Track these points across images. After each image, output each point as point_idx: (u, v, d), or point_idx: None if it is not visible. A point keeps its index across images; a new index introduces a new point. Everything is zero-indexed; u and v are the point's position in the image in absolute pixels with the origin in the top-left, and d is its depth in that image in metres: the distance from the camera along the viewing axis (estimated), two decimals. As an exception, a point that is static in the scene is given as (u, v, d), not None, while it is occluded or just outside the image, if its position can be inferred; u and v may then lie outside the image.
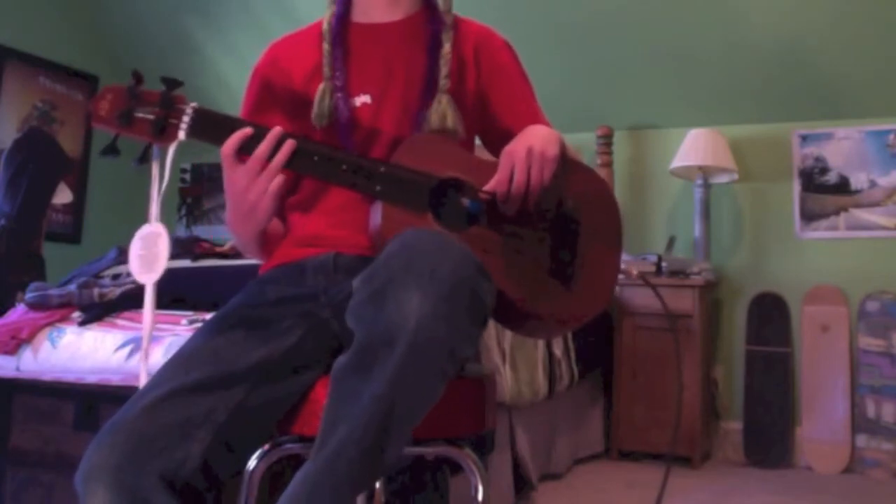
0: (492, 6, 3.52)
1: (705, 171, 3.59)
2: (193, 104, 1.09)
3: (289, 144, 1.10)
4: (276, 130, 1.10)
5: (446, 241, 0.97)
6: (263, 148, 1.09)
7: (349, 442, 0.89)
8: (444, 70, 1.27)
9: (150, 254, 1.12)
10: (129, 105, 1.07)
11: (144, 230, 1.12)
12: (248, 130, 1.09)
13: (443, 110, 1.24)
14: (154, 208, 1.12)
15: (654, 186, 3.90)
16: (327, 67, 1.26)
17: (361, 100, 1.27)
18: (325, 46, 1.28)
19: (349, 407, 0.91)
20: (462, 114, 1.28)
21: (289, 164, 1.11)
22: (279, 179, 1.11)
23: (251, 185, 1.10)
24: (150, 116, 1.07)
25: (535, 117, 1.34)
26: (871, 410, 3.25)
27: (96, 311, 2.14)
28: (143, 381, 1.07)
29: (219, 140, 1.09)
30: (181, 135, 1.08)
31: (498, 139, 1.34)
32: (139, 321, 2.10)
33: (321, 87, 1.25)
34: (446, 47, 1.28)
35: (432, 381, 0.92)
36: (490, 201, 1.18)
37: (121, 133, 1.09)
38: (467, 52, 1.33)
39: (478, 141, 1.40)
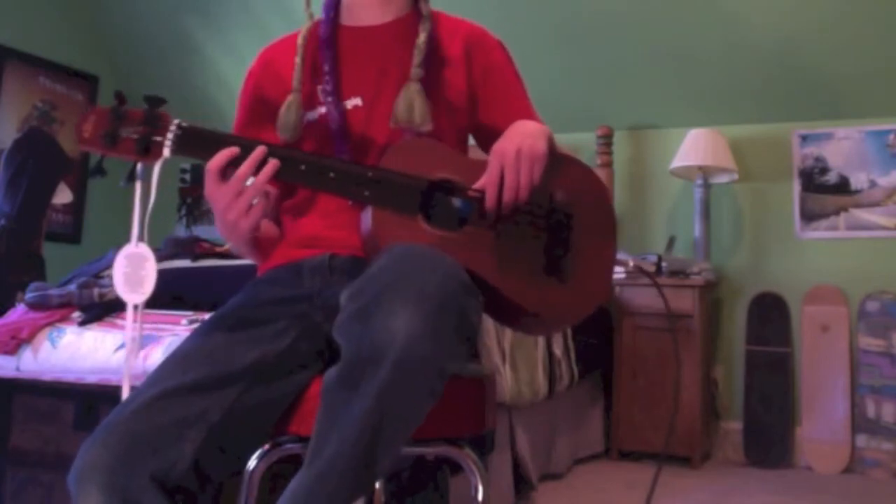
0: (491, 6, 3.52)
1: (705, 171, 3.59)
2: (177, 120, 1.09)
3: (271, 165, 1.09)
4: (259, 151, 1.09)
5: (434, 258, 0.97)
6: (243, 170, 1.08)
7: (339, 456, 0.90)
8: (416, 59, 1.25)
9: (136, 275, 1.11)
10: (113, 126, 1.07)
11: (129, 249, 1.12)
12: (234, 150, 1.09)
13: (410, 98, 1.22)
14: (136, 228, 1.11)
15: (654, 186, 3.90)
16: (296, 80, 1.25)
17: (352, 103, 1.27)
18: (297, 60, 1.27)
19: (339, 421, 0.91)
20: (446, 109, 1.28)
21: (276, 175, 1.11)
22: (263, 201, 1.11)
23: (230, 205, 1.10)
24: (135, 136, 1.08)
25: (528, 116, 1.34)
26: (871, 410, 3.25)
27: (96, 311, 2.14)
28: (125, 391, 1.06)
29: (204, 155, 1.09)
30: (166, 152, 1.09)
31: (491, 138, 1.34)
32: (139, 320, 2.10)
33: (288, 99, 1.24)
34: (421, 37, 1.27)
35: (420, 397, 0.92)
36: (481, 200, 1.18)
37: (106, 154, 1.09)
38: (455, 51, 1.32)
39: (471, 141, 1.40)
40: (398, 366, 0.88)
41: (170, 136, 1.08)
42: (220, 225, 1.16)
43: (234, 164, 1.09)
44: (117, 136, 1.07)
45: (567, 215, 1.23)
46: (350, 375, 0.92)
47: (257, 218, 1.12)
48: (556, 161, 1.22)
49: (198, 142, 1.10)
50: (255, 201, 1.11)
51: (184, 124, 1.09)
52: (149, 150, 1.08)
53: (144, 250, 1.10)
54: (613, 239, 1.29)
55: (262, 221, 1.20)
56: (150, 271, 1.11)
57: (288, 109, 1.24)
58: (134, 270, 1.11)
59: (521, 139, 1.17)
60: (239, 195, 1.09)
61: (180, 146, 1.09)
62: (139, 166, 1.12)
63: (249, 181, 1.11)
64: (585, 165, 1.32)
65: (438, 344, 0.91)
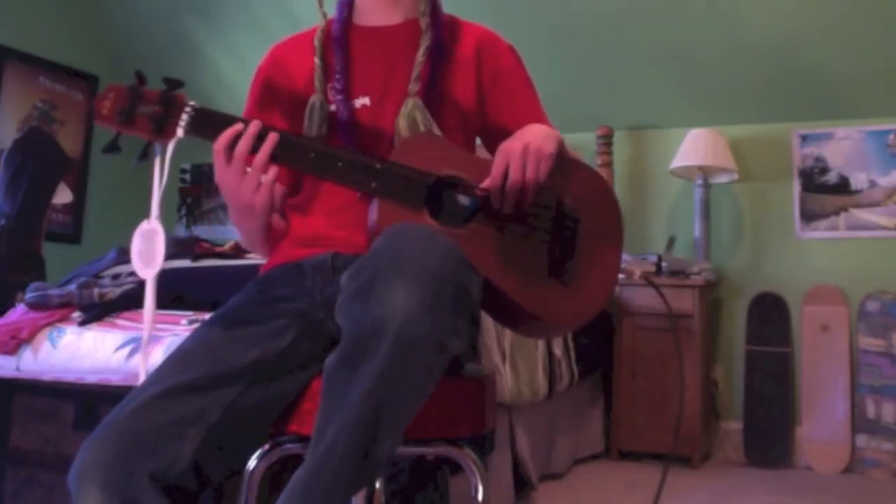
0: (492, 6, 3.52)
1: (705, 171, 3.59)
2: (192, 102, 1.11)
3: (271, 138, 1.10)
4: (254, 126, 1.10)
5: (430, 235, 0.97)
6: (242, 146, 1.09)
7: (339, 439, 0.89)
8: (413, 73, 1.27)
9: (148, 250, 1.13)
10: (130, 104, 1.08)
11: (144, 226, 1.14)
12: (238, 126, 1.10)
13: (409, 114, 1.24)
14: (155, 205, 1.13)
15: (654, 186, 3.90)
16: (318, 81, 1.27)
17: (361, 102, 1.28)
18: (316, 61, 1.29)
19: (339, 404, 0.91)
20: (455, 111, 1.29)
21: (285, 161, 1.12)
22: (272, 173, 1.12)
23: (241, 183, 1.11)
24: (150, 115, 1.09)
25: (537, 120, 1.34)
26: (871, 410, 3.25)
27: (96, 311, 2.14)
28: (142, 378, 1.07)
29: (216, 137, 1.10)
30: (179, 132, 1.09)
31: (499, 141, 1.34)
32: (139, 321, 2.10)
33: (311, 100, 1.26)
34: (420, 51, 1.28)
35: (420, 375, 0.92)
36: (487, 199, 1.18)
37: (122, 131, 1.10)
38: (466, 54, 1.33)
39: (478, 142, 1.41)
40: (398, 341, 0.88)
41: (184, 116, 1.09)
42: (234, 211, 1.17)
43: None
44: (133, 115, 1.08)
45: (574, 220, 1.24)
46: (350, 355, 0.92)
47: (269, 193, 1.12)
48: (566, 165, 1.23)
49: (210, 123, 1.11)
50: (263, 178, 1.11)
51: (198, 106, 1.11)
52: (163, 130, 1.09)
53: (155, 225, 1.12)
54: (619, 246, 1.29)
55: (272, 213, 1.21)
56: (159, 245, 1.13)
57: (312, 110, 1.26)
58: (147, 246, 1.12)
59: (530, 138, 1.17)
60: (243, 174, 1.10)
61: (193, 127, 1.10)
62: (155, 146, 1.12)
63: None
64: (595, 171, 1.32)
65: (437, 318, 0.90)
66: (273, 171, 1.12)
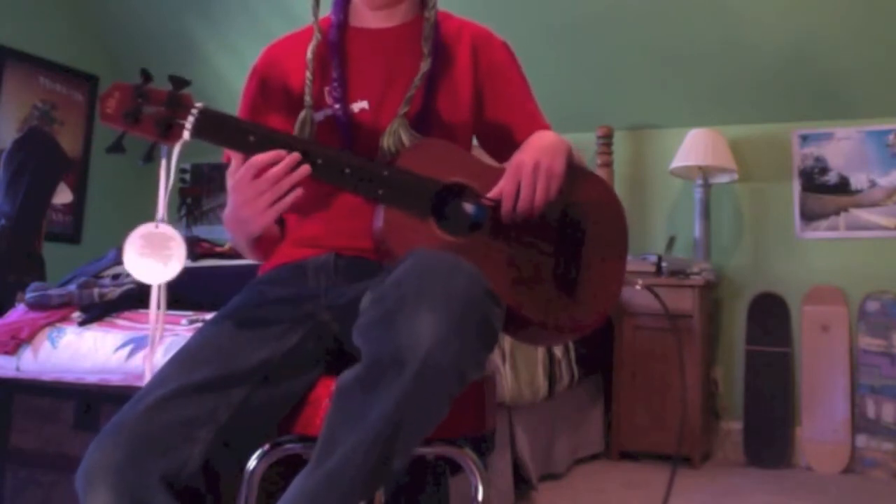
0: (492, 5, 3.52)
1: (705, 171, 3.59)
2: (199, 104, 1.08)
3: (302, 170, 1.07)
4: (293, 157, 1.07)
5: (458, 265, 0.97)
6: (277, 171, 1.06)
7: (353, 459, 0.90)
8: (410, 92, 1.24)
9: (159, 255, 1.10)
10: (136, 103, 1.06)
11: (147, 229, 1.11)
12: (281, 153, 1.06)
13: (394, 132, 1.21)
14: (162, 208, 1.11)
15: (654, 186, 3.90)
16: (308, 97, 1.24)
17: (359, 106, 1.26)
18: (308, 75, 1.25)
19: (354, 424, 0.91)
20: (454, 111, 1.28)
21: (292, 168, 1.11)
22: (289, 200, 1.08)
23: (250, 202, 1.08)
24: (156, 116, 1.06)
25: (533, 118, 1.34)
26: (871, 410, 3.25)
27: (96, 311, 2.14)
28: (147, 379, 1.07)
29: (222, 141, 1.08)
30: (186, 135, 1.07)
31: (496, 139, 1.34)
32: (139, 321, 2.10)
33: (301, 115, 1.23)
34: (423, 65, 1.25)
35: (439, 403, 0.93)
36: (494, 208, 1.18)
37: (127, 131, 1.07)
38: (462, 52, 1.32)
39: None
40: (422, 370, 0.88)
41: (190, 119, 1.07)
42: (232, 219, 1.14)
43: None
44: (139, 115, 1.06)
45: (580, 229, 1.23)
46: (370, 378, 0.91)
47: (270, 220, 1.10)
48: (573, 174, 1.22)
49: (217, 127, 1.08)
50: (276, 204, 1.08)
51: (203, 108, 1.08)
52: (169, 132, 1.06)
53: (167, 230, 1.10)
54: (624, 256, 1.28)
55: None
56: (176, 250, 1.09)
57: (302, 126, 1.23)
58: (156, 251, 1.10)
59: (541, 154, 1.17)
60: (262, 194, 1.07)
61: (200, 130, 1.07)
62: (162, 147, 1.09)
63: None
64: (602, 180, 1.31)
65: (463, 350, 0.91)
66: (291, 198, 1.08)
